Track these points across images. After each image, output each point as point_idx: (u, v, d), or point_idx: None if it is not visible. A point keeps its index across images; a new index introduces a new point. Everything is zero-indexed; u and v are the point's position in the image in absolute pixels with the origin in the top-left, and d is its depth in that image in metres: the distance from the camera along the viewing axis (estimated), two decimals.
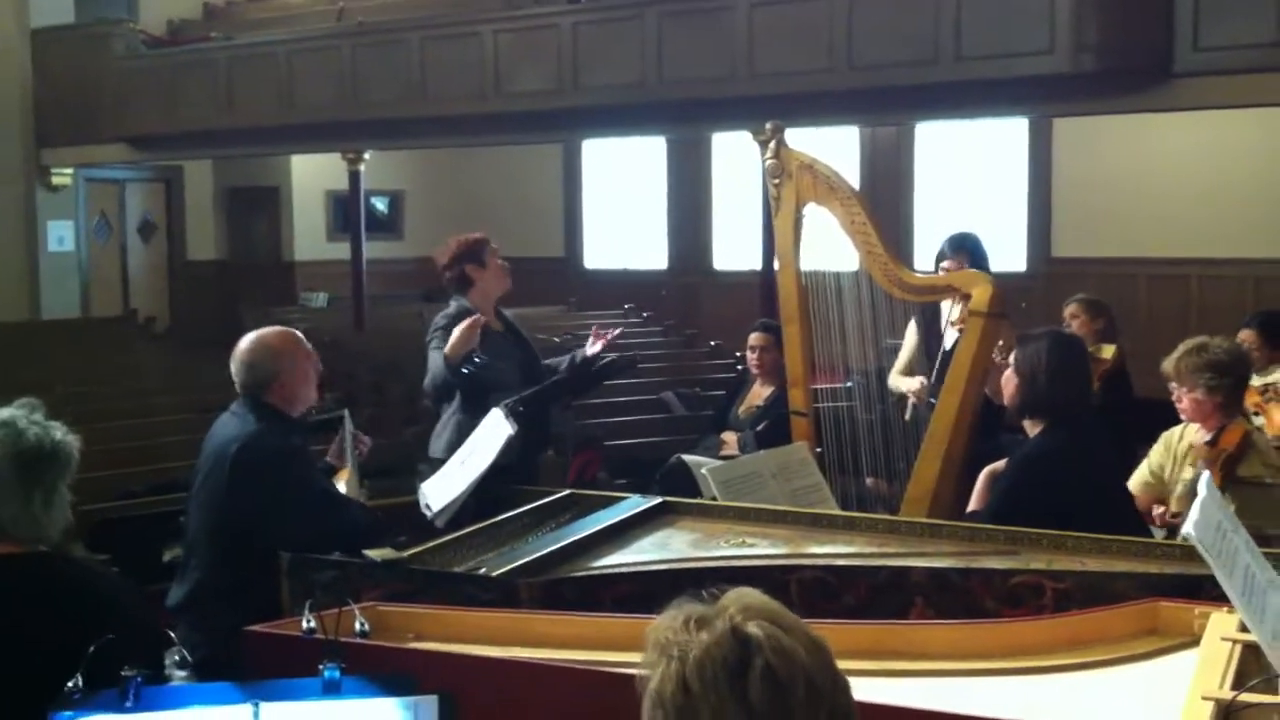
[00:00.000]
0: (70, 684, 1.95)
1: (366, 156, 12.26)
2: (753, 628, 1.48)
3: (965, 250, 5.39)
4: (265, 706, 1.99)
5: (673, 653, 1.48)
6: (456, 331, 4.72)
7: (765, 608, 1.52)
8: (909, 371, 5.35)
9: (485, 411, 4.43)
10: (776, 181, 4.67)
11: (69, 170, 14.68)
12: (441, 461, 4.58)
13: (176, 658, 2.09)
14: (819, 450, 4.58)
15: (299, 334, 3.97)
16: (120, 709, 1.94)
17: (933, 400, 4.58)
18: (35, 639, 2.14)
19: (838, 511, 4.06)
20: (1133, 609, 2.79)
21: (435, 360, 4.86)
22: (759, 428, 5.47)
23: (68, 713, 1.92)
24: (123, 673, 1.91)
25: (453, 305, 5.07)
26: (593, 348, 5.00)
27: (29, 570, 2.29)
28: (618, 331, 5.24)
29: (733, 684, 1.44)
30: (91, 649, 1.97)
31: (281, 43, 12.49)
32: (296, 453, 3.81)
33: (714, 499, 3.99)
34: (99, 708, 1.94)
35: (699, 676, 1.45)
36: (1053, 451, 3.67)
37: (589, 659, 2.61)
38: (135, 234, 15.83)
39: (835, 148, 11.59)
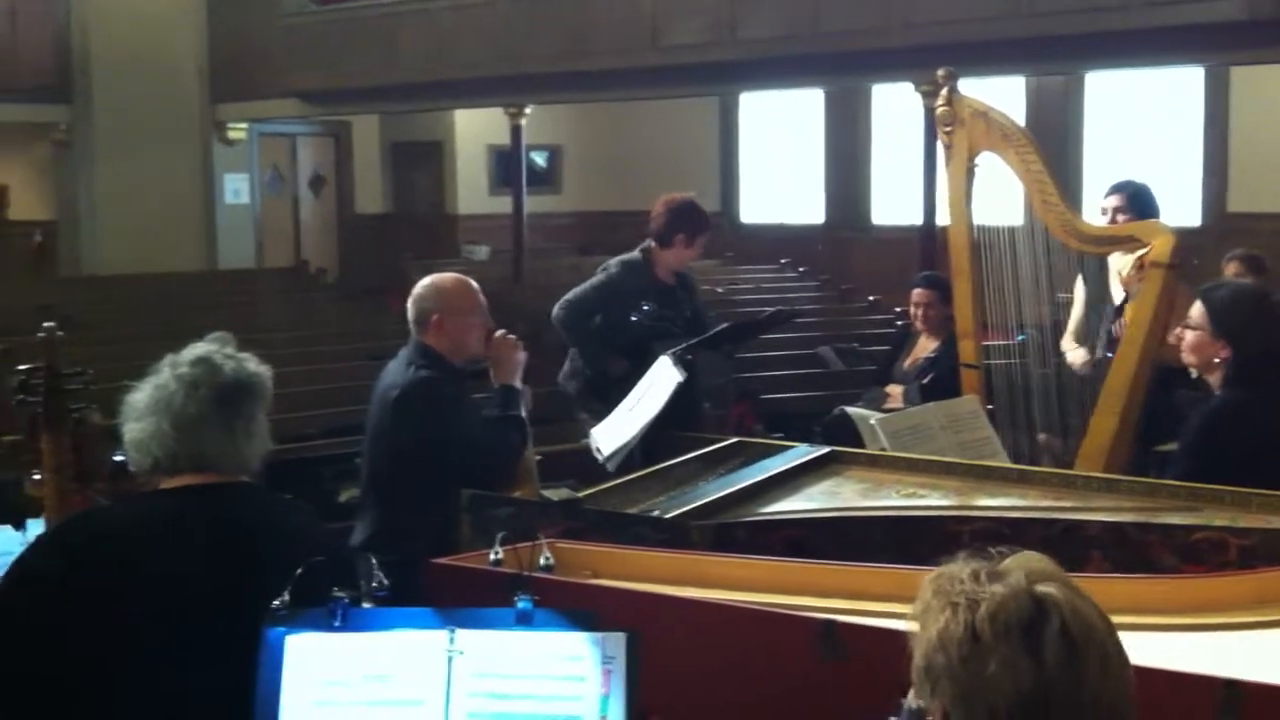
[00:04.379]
0: (277, 602, 2.06)
1: (528, 111, 12.38)
2: (1047, 588, 1.47)
3: (1136, 201, 5.03)
4: (460, 633, 2.07)
5: (960, 601, 1.47)
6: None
7: (1056, 573, 1.51)
8: (1080, 334, 5.14)
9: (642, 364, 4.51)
10: (948, 130, 4.59)
11: (243, 125, 15.15)
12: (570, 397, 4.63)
13: (375, 584, 2.19)
14: (989, 406, 4.52)
15: (474, 284, 4.01)
16: (329, 628, 2.04)
17: (1109, 354, 4.47)
18: (248, 563, 2.25)
19: (1009, 465, 4.01)
20: None
21: (585, 298, 5.08)
22: (924, 381, 5.42)
23: (280, 628, 2.03)
24: (333, 593, 2.02)
25: (624, 260, 5.16)
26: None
27: (240, 498, 2.40)
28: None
29: (1026, 638, 1.43)
30: (299, 570, 2.07)
31: None
32: (451, 400, 3.86)
33: (882, 449, 3.98)
34: (309, 625, 2.04)
35: (990, 626, 1.44)
36: (1242, 405, 3.57)
37: (762, 601, 2.64)
38: (306, 187, 16.29)
39: (998, 99, 11.26)
